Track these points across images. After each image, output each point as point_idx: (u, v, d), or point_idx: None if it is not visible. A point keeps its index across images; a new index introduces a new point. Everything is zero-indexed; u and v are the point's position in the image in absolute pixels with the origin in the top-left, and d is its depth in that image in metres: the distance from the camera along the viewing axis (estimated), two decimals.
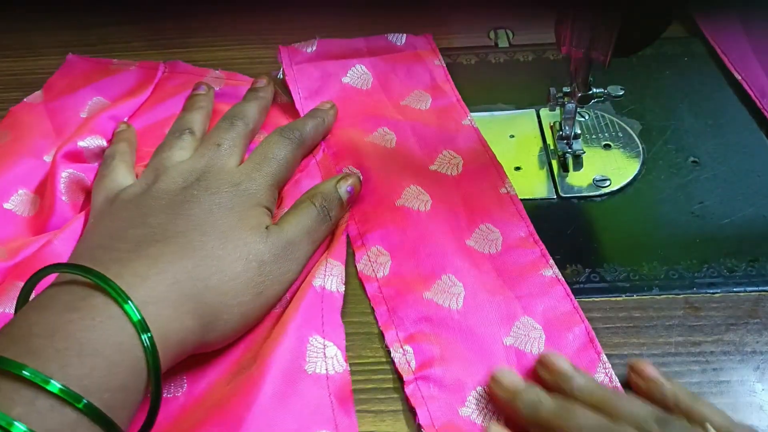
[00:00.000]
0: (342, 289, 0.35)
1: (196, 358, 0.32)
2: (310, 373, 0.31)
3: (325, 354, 0.32)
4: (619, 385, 0.31)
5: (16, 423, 0.22)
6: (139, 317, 0.27)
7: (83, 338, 0.25)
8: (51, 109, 0.46)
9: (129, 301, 0.27)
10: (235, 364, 0.32)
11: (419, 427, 0.30)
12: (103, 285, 0.27)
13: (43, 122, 0.45)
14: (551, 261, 0.36)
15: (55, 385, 0.24)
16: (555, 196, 0.41)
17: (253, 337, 0.33)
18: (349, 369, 0.32)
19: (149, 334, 0.27)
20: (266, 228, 0.34)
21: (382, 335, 0.34)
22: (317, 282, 0.34)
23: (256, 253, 0.33)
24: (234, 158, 0.39)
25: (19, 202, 0.40)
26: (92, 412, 0.24)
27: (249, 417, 0.28)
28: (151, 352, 0.27)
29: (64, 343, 0.25)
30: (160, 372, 0.28)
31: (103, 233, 0.33)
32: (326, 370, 0.31)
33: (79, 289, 0.27)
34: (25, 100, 0.48)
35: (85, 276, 0.27)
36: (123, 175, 0.39)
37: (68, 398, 0.24)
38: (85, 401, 0.24)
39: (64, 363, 0.24)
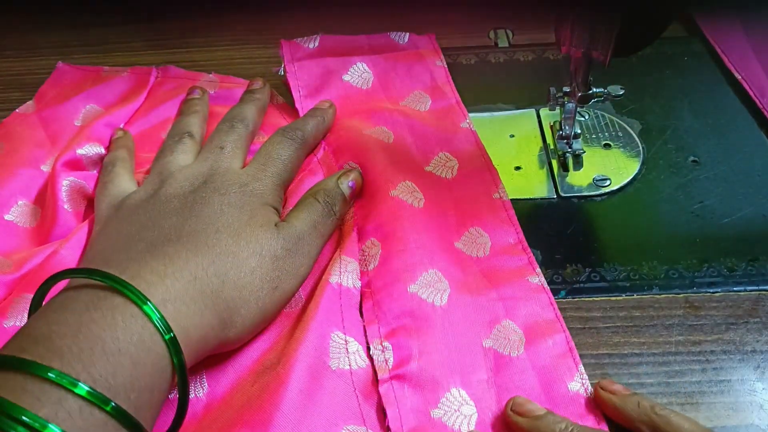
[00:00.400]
0: (358, 285, 0.35)
1: (216, 359, 0.32)
2: (334, 369, 0.31)
3: (347, 350, 0.32)
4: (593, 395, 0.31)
5: (50, 425, 0.22)
6: (160, 317, 0.27)
7: (107, 337, 0.25)
8: (44, 118, 0.46)
9: (148, 302, 0.27)
10: (257, 363, 0.32)
11: (388, 429, 0.30)
12: (120, 288, 0.27)
13: (38, 132, 0.45)
14: (538, 269, 0.36)
15: (83, 388, 0.23)
16: (555, 196, 0.41)
17: (273, 337, 0.34)
18: (371, 364, 0.32)
19: (172, 334, 0.27)
20: (275, 225, 0.35)
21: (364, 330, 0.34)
22: (334, 279, 0.35)
23: (269, 249, 0.33)
24: (237, 160, 0.39)
25: (19, 213, 0.40)
26: (120, 415, 0.24)
27: (278, 415, 0.29)
28: (175, 351, 0.27)
29: (88, 342, 0.25)
30: (186, 370, 0.28)
31: (114, 238, 0.33)
32: (349, 365, 0.32)
33: (96, 290, 0.27)
34: (17, 110, 0.47)
35: (101, 280, 0.27)
36: (125, 182, 0.39)
37: (96, 401, 0.24)
38: (112, 404, 0.24)
39: (88, 363, 0.24)
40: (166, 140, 0.42)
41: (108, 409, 0.24)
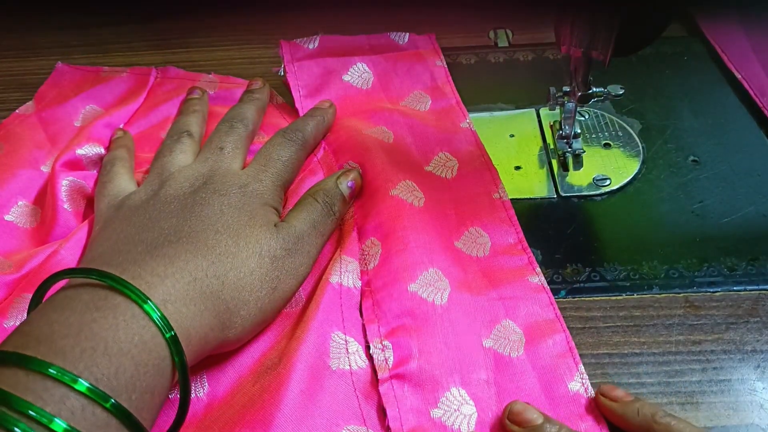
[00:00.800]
0: (359, 284, 0.35)
1: (216, 358, 0.32)
2: (334, 369, 0.31)
3: (347, 350, 0.32)
4: (593, 395, 0.31)
5: (56, 419, 0.22)
6: (160, 315, 0.27)
7: (109, 337, 0.25)
8: (44, 119, 0.46)
9: (149, 301, 0.27)
10: (258, 363, 0.32)
11: (388, 429, 0.30)
12: (120, 287, 0.27)
13: (37, 133, 0.45)
14: (538, 269, 0.36)
15: (83, 384, 0.23)
16: (555, 196, 0.41)
17: (274, 337, 0.34)
18: (371, 364, 0.32)
19: (172, 333, 0.27)
20: (275, 225, 0.35)
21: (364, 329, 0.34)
22: (334, 279, 0.35)
23: (269, 249, 0.33)
24: (237, 161, 0.39)
25: (19, 213, 0.40)
26: (120, 413, 0.24)
27: (278, 415, 0.29)
28: (176, 350, 0.27)
29: (90, 342, 0.25)
30: (187, 370, 0.28)
31: (115, 238, 0.33)
32: (350, 365, 0.32)
33: (96, 290, 0.27)
34: (16, 111, 0.47)
35: (101, 279, 0.27)
36: (125, 182, 0.39)
37: (96, 398, 0.24)
38: (112, 401, 0.24)
39: (91, 363, 0.24)
40: (165, 140, 0.41)
41: (108, 406, 0.24)
